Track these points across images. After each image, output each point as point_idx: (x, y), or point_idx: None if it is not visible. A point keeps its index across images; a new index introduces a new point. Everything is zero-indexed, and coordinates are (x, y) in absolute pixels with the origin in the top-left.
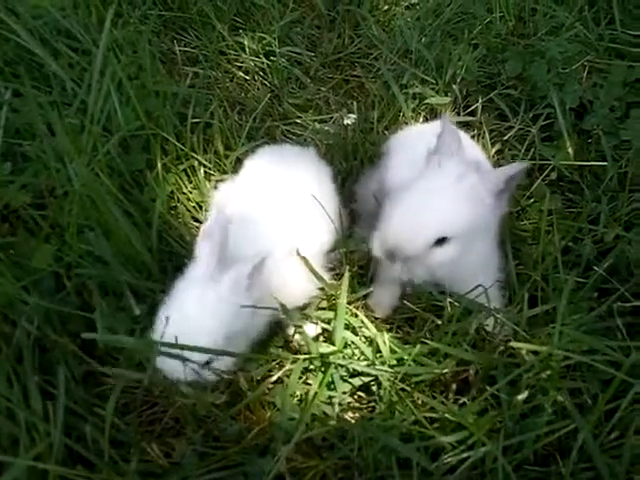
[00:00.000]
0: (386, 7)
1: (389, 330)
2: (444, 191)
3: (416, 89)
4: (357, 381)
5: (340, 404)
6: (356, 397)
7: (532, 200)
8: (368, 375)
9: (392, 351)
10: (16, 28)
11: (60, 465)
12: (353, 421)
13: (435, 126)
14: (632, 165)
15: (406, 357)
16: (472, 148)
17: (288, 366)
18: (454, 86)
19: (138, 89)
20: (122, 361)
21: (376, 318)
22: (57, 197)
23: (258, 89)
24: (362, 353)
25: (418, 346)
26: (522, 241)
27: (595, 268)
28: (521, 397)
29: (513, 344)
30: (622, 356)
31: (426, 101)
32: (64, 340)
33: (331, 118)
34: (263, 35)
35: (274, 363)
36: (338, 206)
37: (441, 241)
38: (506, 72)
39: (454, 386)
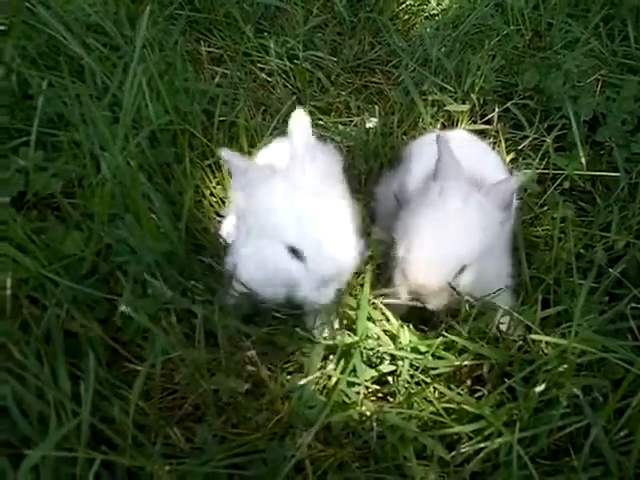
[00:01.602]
0: (406, 17)
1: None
2: (454, 220)
3: (435, 96)
4: (376, 372)
5: (359, 393)
6: (375, 389)
7: (545, 208)
8: (389, 365)
9: (412, 343)
10: (51, 21)
11: (85, 445)
12: (371, 412)
13: (455, 134)
14: None
15: (426, 349)
16: (480, 157)
17: (309, 354)
18: (472, 95)
19: (168, 85)
20: (146, 349)
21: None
22: (89, 185)
23: (281, 91)
24: (382, 345)
25: (439, 339)
26: (535, 247)
27: (610, 270)
28: (538, 389)
29: (532, 336)
30: (634, 355)
31: (445, 108)
32: (92, 324)
33: (351, 121)
34: (287, 39)
35: (296, 352)
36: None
37: (462, 269)
38: (523, 83)
39: (469, 381)
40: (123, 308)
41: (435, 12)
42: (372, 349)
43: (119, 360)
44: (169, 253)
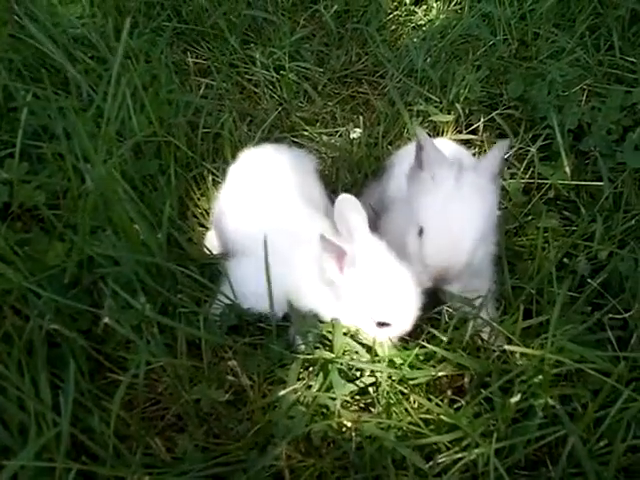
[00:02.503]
0: (393, 27)
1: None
2: (457, 200)
3: (420, 107)
4: (353, 386)
5: (337, 405)
6: (354, 399)
7: (530, 217)
8: (367, 377)
9: (389, 354)
10: (37, 34)
11: (65, 455)
12: (351, 422)
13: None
14: (627, 186)
15: (403, 360)
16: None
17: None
18: (457, 105)
19: (152, 97)
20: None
21: None
22: (72, 197)
23: (267, 102)
24: (359, 359)
25: (415, 349)
26: (519, 257)
27: (590, 281)
28: (514, 400)
29: (507, 347)
30: (612, 365)
31: (430, 118)
32: (73, 334)
33: (337, 132)
34: (274, 50)
35: (276, 363)
36: None
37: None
38: (508, 93)
39: (449, 392)
40: (106, 320)
41: (422, 22)
42: (349, 364)
43: (102, 371)
44: (151, 264)
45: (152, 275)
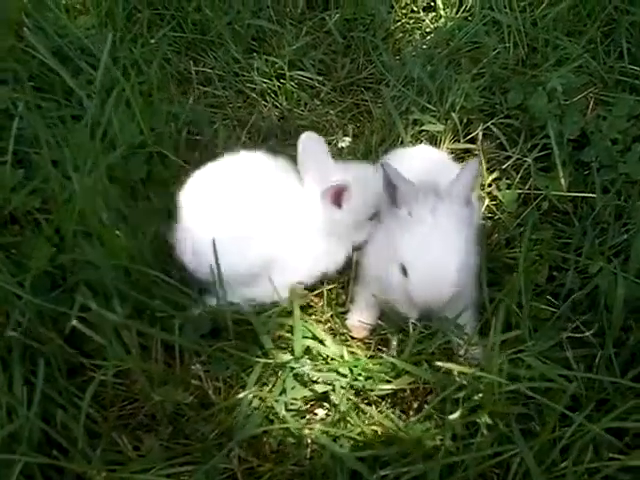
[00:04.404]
0: (400, 35)
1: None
2: (436, 236)
3: (415, 116)
4: (307, 391)
5: (291, 410)
6: (311, 406)
7: (522, 229)
8: (323, 384)
9: (347, 362)
10: (37, 46)
11: (35, 449)
12: (307, 429)
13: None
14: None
15: (359, 369)
16: (441, 166)
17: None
18: (453, 114)
19: (145, 106)
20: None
21: (353, 338)
22: (59, 203)
23: (269, 110)
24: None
25: (369, 359)
26: (508, 269)
27: (558, 303)
28: (454, 416)
29: (440, 364)
30: (568, 383)
31: (422, 128)
32: (52, 334)
33: (332, 141)
34: (275, 60)
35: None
36: None
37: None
38: (507, 101)
39: (415, 404)
40: (74, 323)
41: (430, 29)
42: (305, 369)
43: (84, 371)
44: (130, 269)
45: (132, 280)
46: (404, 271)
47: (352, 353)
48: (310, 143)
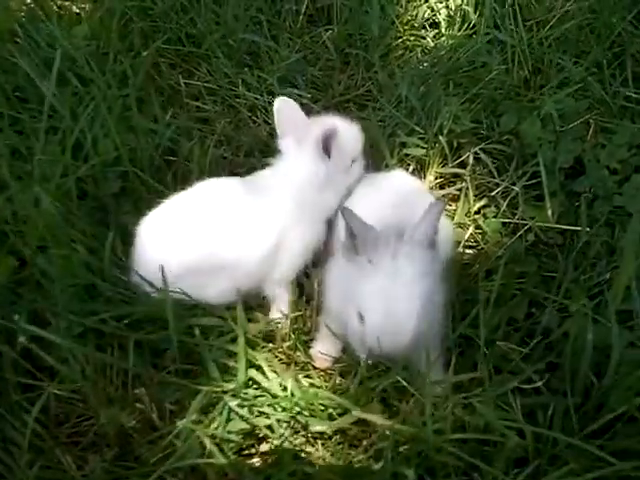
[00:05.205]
0: (400, 52)
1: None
2: (395, 284)
3: (403, 139)
4: (245, 424)
5: (231, 441)
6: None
7: (503, 261)
8: (264, 418)
9: (292, 395)
10: (18, 58)
11: None
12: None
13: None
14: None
15: (302, 404)
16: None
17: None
18: (440, 137)
19: (121, 121)
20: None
21: (315, 368)
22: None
23: (259, 126)
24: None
25: (312, 394)
26: (485, 302)
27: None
28: (377, 467)
29: (355, 413)
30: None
31: (405, 151)
32: (5, 348)
33: None
34: (265, 76)
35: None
36: None
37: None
38: (500, 126)
39: (365, 442)
40: (21, 339)
41: (430, 47)
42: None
43: (40, 386)
44: (91, 288)
45: (91, 296)
46: (361, 317)
47: (312, 385)
48: (286, 107)
